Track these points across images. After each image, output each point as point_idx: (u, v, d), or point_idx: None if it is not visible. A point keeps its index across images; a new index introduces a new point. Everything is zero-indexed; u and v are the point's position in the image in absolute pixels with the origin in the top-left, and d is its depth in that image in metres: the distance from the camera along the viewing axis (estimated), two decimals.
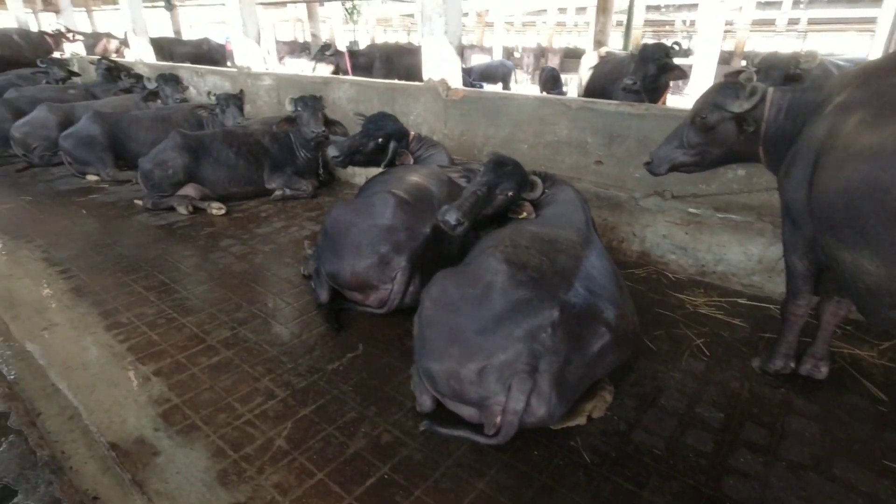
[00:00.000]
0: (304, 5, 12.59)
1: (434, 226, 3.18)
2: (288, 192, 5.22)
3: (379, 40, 25.91)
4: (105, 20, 22.61)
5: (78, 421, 2.27)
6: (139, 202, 5.04)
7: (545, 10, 24.65)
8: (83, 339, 2.87)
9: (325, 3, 13.98)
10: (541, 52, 23.13)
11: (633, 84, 4.62)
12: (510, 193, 2.92)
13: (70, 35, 11.62)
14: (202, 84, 8.67)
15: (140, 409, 2.36)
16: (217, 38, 15.61)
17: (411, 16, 30.08)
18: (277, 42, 21.12)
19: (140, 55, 10.00)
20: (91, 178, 5.89)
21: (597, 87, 6.07)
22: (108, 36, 15.21)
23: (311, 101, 5.00)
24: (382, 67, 7.69)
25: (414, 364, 2.47)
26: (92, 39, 13.70)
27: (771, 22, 21.79)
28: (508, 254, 2.36)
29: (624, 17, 10.50)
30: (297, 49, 27.52)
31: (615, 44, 11.15)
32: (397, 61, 7.83)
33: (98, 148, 5.78)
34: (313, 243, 3.87)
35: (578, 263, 2.42)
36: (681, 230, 3.90)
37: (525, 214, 2.91)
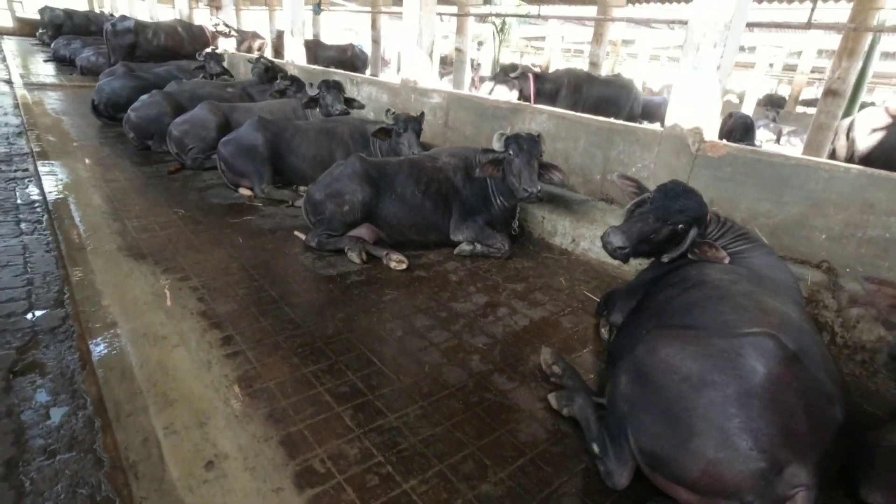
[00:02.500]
0: (454, 20, 11.85)
1: (847, 409, 1.84)
2: (479, 247, 4.10)
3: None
4: (248, 19, 23.75)
5: None
6: (301, 236, 4.15)
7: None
8: (267, 502, 1.82)
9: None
10: None
11: None
12: None
13: (227, 30, 11.65)
14: (356, 94, 7.98)
15: None
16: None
17: (536, 39, 29.16)
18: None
19: (294, 56, 9.63)
20: (244, 191, 5.16)
21: (893, 160, 4.43)
22: (254, 35, 15.47)
23: (527, 143, 3.86)
24: (569, 97, 6.53)
25: None
26: (240, 37, 13.90)
27: None
28: None
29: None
30: None
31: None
32: (586, 91, 6.64)
33: (258, 159, 5.04)
34: (559, 357, 2.67)
35: None
36: None
37: None
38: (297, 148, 5.24)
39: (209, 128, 5.82)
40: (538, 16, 8.04)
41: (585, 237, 4.37)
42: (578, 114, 5.04)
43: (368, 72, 14.92)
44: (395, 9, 15.30)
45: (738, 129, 8.77)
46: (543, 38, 29.09)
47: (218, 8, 12.10)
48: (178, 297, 3.12)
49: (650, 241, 2.72)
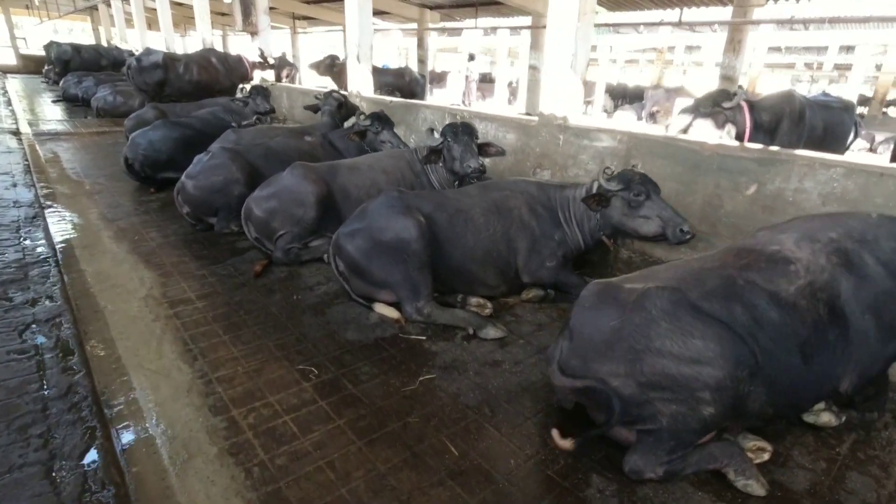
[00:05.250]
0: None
1: None
2: None
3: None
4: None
5: None
6: (560, 440, 2.27)
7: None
8: None
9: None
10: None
11: None
12: None
13: (269, 59, 9.98)
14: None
15: None
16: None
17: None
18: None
19: (360, 86, 7.87)
20: (385, 311, 3.30)
21: None
22: (282, 60, 13.85)
23: None
24: (792, 129, 4.69)
25: None
26: (279, 65, 12.23)
27: None
28: None
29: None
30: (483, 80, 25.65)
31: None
32: (810, 119, 4.80)
33: (414, 264, 3.17)
34: None
35: None
36: None
37: None
38: (461, 238, 3.40)
39: (307, 203, 4.00)
40: (680, 23, 6.25)
41: None
42: None
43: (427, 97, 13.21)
44: (444, 25, 13.65)
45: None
46: None
47: (254, 33, 10.42)
48: None
49: None
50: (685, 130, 4.71)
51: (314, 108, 6.49)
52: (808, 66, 26.92)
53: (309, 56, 19.91)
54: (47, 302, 3.16)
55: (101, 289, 3.43)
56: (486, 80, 25.49)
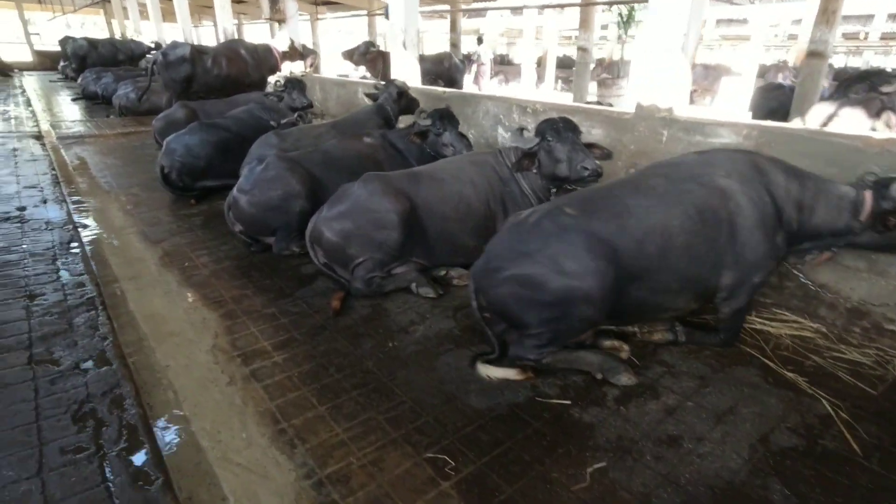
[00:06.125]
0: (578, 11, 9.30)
1: None
2: None
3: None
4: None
5: None
6: None
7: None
8: None
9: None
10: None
11: None
12: None
13: (301, 49, 9.31)
14: (531, 127, 5.48)
15: None
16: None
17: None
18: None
19: (406, 76, 7.15)
20: (509, 375, 2.67)
21: None
22: (304, 48, 13.15)
23: None
24: None
25: None
26: (307, 54, 11.52)
27: None
28: None
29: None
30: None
31: None
32: None
33: (580, 320, 2.48)
34: None
35: None
36: None
37: None
38: (653, 272, 2.57)
39: (390, 224, 3.35)
40: None
41: None
42: None
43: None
44: (476, 5, 12.79)
45: None
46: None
47: (281, 21, 9.73)
48: None
49: None
50: (826, 123, 3.95)
51: (373, 98, 5.92)
52: (847, 36, 25.31)
53: (328, 43, 19.16)
54: (100, 365, 2.58)
55: (158, 339, 2.85)
56: (505, 63, 24.36)
